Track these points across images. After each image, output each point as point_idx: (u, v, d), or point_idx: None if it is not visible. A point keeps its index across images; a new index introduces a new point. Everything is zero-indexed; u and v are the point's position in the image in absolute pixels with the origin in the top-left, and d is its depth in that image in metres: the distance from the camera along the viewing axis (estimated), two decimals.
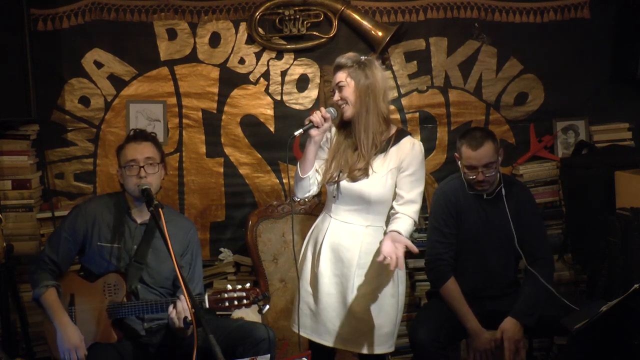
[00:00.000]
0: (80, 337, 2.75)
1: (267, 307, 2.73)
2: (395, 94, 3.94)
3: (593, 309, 2.76)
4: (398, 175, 2.79)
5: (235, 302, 2.67)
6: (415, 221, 2.80)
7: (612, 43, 3.95)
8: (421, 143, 2.86)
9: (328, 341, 2.84)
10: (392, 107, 3.92)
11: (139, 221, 2.93)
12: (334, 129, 2.90)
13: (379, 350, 2.83)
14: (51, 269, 2.89)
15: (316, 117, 2.75)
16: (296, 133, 2.76)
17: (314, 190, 2.87)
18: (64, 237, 2.93)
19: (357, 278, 2.79)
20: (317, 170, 2.86)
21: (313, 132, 2.76)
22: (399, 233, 2.70)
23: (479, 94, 3.97)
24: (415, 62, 3.93)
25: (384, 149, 2.79)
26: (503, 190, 3.16)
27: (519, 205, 3.19)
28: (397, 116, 3.94)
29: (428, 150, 3.96)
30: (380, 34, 3.81)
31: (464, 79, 3.96)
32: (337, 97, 2.78)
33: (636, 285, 2.60)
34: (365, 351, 2.82)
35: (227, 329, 2.81)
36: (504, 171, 3.65)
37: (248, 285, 2.71)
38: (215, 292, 2.71)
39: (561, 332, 3.09)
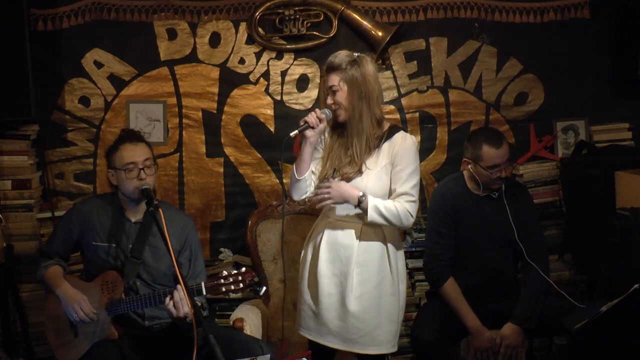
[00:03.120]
0: (83, 296, 2.78)
1: (264, 288, 2.77)
2: (395, 94, 3.94)
3: (593, 309, 2.76)
4: (392, 170, 2.78)
5: (232, 287, 2.67)
6: (407, 211, 2.73)
7: (612, 43, 3.95)
8: (414, 137, 2.85)
9: (331, 342, 2.83)
10: (392, 107, 3.94)
11: (133, 220, 2.93)
12: (327, 129, 2.89)
13: (381, 350, 2.82)
14: (51, 258, 2.97)
15: (311, 118, 2.73)
16: (292, 134, 2.74)
17: (310, 191, 2.85)
18: (59, 235, 2.99)
19: (356, 276, 2.78)
20: (312, 172, 2.84)
21: (308, 133, 2.74)
22: (364, 194, 2.71)
23: (479, 94, 3.97)
24: (415, 62, 3.93)
25: (376, 145, 2.79)
26: (503, 186, 3.17)
27: (518, 205, 3.19)
28: (397, 116, 3.94)
29: (428, 150, 3.96)
30: (380, 34, 3.81)
31: (464, 79, 3.96)
32: (330, 100, 2.76)
33: (636, 286, 2.59)
34: (367, 352, 2.82)
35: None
36: None
37: (244, 269, 2.71)
38: (211, 278, 2.71)
39: (561, 332, 3.10)
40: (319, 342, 2.85)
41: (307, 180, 2.82)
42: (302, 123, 2.76)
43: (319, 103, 3.90)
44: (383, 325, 2.82)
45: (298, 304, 2.93)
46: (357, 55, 2.76)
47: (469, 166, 3.15)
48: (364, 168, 2.77)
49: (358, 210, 2.78)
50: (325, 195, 2.73)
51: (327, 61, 2.79)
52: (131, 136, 2.93)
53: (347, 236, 2.81)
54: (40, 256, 3.00)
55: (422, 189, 3.97)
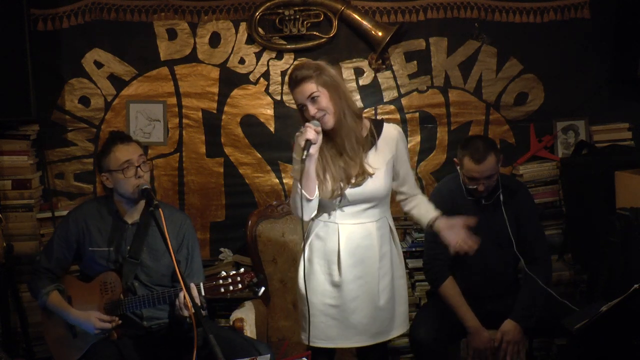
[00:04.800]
0: (89, 314, 2.78)
1: (263, 288, 2.73)
2: (395, 94, 3.94)
3: (593, 309, 2.76)
4: (395, 162, 2.77)
5: (231, 287, 2.68)
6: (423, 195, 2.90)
7: (612, 43, 3.95)
8: (396, 125, 2.85)
9: (359, 342, 2.81)
10: (392, 107, 3.95)
11: (129, 222, 2.92)
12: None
13: (400, 331, 2.88)
14: (48, 276, 2.93)
15: (311, 134, 2.58)
16: (303, 157, 2.57)
17: (317, 206, 2.74)
18: (57, 244, 2.94)
19: (379, 272, 2.78)
20: None
21: (312, 150, 2.60)
22: (440, 216, 2.77)
23: (479, 94, 3.97)
24: (415, 62, 3.93)
25: (371, 144, 2.75)
26: (501, 196, 3.15)
27: (518, 205, 3.19)
28: (397, 116, 3.94)
29: (428, 150, 3.97)
30: (380, 34, 3.81)
31: (464, 79, 3.96)
32: (313, 110, 2.62)
33: (636, 286, 2.59)
34: (390, 337, 2.85)
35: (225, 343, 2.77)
36: (504, 171, 3.65)
37: (243, 269, 2.71)
38: (210, 278, 2.72)
39: (561, 333, 3.09)
40: (346, 347, 2.84)
41: (317, 198, 2.70)
42: (302, 143, 2.58)
43: None
44: (400, 308, 2.85)
45: (310, 317, 2.79)
46: (317, 63, 2.69)
47: (457, 167, 3.17)
48: (370, 169, 2.72)
49: (371, 209, 2.76)
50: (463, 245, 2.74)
51: (291, 77, 2.66)
52: (122, 137, 2.91)
53: (366, 237, 2.76)
54: (39, 273, 2.93)
55: (421, 188, 3.96)
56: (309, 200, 2.65)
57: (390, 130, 2.78)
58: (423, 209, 2.83)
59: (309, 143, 2.57)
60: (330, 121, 2.65)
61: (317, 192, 2.67)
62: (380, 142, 2.76)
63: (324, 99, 2.63)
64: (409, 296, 3.66)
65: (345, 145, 2.69)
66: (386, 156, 2.76)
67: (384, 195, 2.77)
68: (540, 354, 3.74)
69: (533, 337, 3.43)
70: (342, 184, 2.70)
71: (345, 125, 2.67)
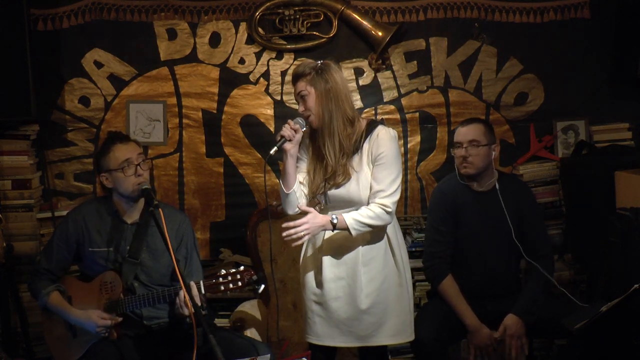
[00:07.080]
0: (94, 313, 2.78)
1: (263, 286, 2.74)
2: (395, 94, 3.94)
3: (593, 309, 2.76)
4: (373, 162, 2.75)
5: (230, 285, 2.68)
6: (382, 208, 2.69)
7: (612, 43, 3.95)
8: (391, 129, 2.79)
9: (345, 342, 2.83)
10: (392, 107, 3.94)
11: (129, 222, 2.92)
12: (307, 141, 2.85)
13: (400, 339, 2.87)
14: (48, 277, 2.93)
15: (286, 131, 2.69)
16: (271, 152, 2.69)
17: (303, 203, 2.79)
18: (57, 246, 2.94)
19: (364, 276, 2.78)
20: (301, 183, 2.80)
21: (287, 146, 2.69)
22: (335, 216, 2.68)
23: (479, 94, 3.97)
24: (415, 62, 3.93)
25: (358, 147, 2.76)
26: (497, 185, 3.16)
27: (519, 203, 3.19)
28: (397, 116, 3.94)
29: (428, 150, 3.97)
30: (380, 34, 3.81)
31: (464, 79, 3.96)
32: (301, 108, 2.74)
33: (636, 286, 2.59)
34: (386, 342, 2.84)
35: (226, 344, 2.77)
36: (504, 171, 3.65)
37: (242, 267, 2.71)
38: (210, 277, 2.72)
39: (561, 333, 3.09)
40: (331, 345, 2.84)
41: (296, 193, 2.76)
42: (278, 138, 2.70)
43: None
44: (398, 316, 2.83)
45: (303, 312, 2.91)
46: (322, 62, 2.74)
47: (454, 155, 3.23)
48: (351, 171, 2.75)
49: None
50: (303, 233, 2.66)
51: (293, 72, 2.77)
52: (120, 137, 2.92)
53: (348, 239, 2.78)
54: (39, 274, 2.94)
55: (422, 188, 3.97)
56: (286, 194, 2.75)
57: (373, 134, 2.76)
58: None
59: (282, 140, 2.70)
60: (314, 122, 2.74)
61: (294, 188, 2.75)
62: (365, 145, 2.77)
63: (311, 99, 2.71)
64: None
65: (327, 148, 2.73)
66: (365, 159, 2.77)
67: (365, 199, 2.75)
68: (540, 354, 3.74)
69: (533, 337, 3.43)
70: (326, 184, 2.76)
71: (330, 128, 2.72)
